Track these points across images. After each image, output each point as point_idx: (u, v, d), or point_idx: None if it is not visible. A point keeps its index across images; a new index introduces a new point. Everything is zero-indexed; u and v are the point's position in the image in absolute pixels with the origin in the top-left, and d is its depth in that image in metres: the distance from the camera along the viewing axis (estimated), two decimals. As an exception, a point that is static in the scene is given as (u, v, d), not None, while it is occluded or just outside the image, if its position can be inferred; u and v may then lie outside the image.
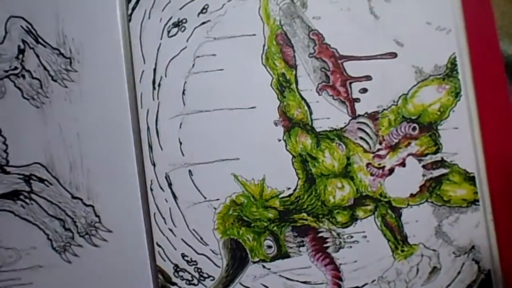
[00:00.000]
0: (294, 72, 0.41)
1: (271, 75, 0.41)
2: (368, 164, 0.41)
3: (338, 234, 0.41)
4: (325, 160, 0.41)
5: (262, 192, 0.40)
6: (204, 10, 0.40)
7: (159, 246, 0.39)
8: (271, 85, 0.41)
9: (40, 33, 0.35)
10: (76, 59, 0.36)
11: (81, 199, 0.36)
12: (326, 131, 0.41)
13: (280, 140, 0.41)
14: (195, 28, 0.40)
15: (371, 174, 0.41)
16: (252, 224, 0.40)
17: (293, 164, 0.41)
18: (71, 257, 0.36)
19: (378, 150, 0.41)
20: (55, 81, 0.36)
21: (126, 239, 0.38)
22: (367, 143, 0.41)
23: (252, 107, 0.41)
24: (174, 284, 0.39)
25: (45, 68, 0.36)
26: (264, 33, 0.41)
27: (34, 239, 0.35)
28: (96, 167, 0.37)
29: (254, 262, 0.40)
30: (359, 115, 0.41)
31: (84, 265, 0.36)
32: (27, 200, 0.35)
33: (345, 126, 0.41)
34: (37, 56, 0.35)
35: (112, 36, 0.38)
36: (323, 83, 0.41)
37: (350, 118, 0.41)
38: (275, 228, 0.40)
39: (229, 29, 0.41)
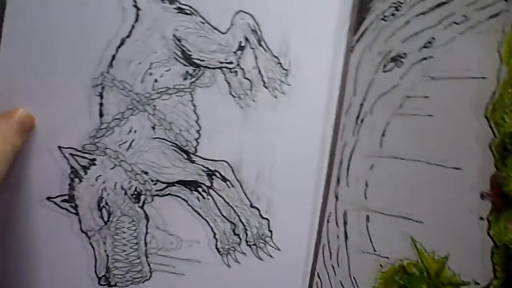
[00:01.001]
0: (530, 135, 0.30)
1: (494, 133, 0.31)
2: None
3: None
4: (545, 270, 0.28)
5: (441, 273, 0.33)
6: (428, 44, 0.35)
7: (319, 278, 0.39)
8: (490, 146, 0.31)
9: (265, 36, 0.35)
10: (293, 73, 0.36)
11: (258, 210, 0.37)
12: (560, 229, 0.28)
13: (483, 219, 0.31)
14: (413, 64, 0.36)
15: None
16: (417, 304, 0.34)
17: (492, 255, 0.30)
18: (232, 262, 0.37)
19: None
20: (266, 87, 0.36)
21: (291, 261, 0.38)
22: None
23: (457, 168, 0.33)
24: (324, 321, 0.39)
25: (259, 72, 0.36)
26: (498, 76, 0.31)
27: (200, 234, 0.37)
28: (283, 183, 0.38)
29: None
30: None
31: (243, 273, 0.37)
32: (204, 194, 0.37)
33: None
34: (256, 57, 0.35)
35: (334, 64, 0.37)
36: None
37: None
38: (444, 322, 0.32)
39: (453, 68, 0.34)
